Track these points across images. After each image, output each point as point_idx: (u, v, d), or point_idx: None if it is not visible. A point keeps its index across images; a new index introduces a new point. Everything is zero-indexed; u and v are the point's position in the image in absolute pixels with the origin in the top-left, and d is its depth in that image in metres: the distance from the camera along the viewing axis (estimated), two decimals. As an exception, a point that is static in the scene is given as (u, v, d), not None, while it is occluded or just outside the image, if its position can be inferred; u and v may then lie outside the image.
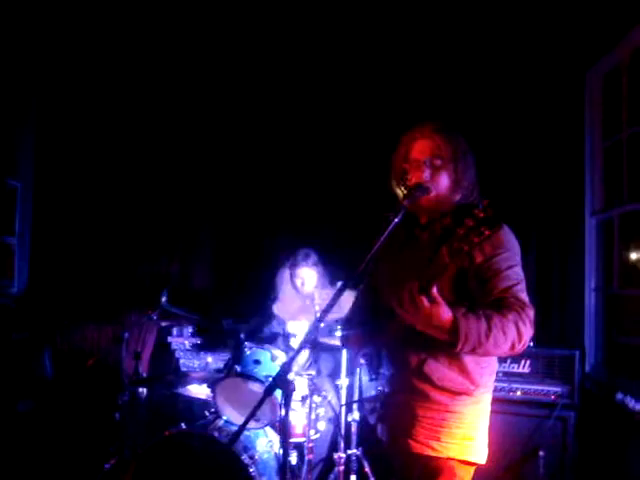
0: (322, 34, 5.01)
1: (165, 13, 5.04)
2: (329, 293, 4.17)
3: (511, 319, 2.01)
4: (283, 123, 5.38)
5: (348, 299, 2.54)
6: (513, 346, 2.02)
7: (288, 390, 2.13)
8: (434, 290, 1.92)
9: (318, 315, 2.16)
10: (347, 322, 2.62)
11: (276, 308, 4.65)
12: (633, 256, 4.19)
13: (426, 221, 2.37)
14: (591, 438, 3.68)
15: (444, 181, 2.29)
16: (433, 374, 2.21)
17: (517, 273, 2.17)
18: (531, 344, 3.73)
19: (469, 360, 2.20)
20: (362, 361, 2.46)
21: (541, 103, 4.53)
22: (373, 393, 2.44)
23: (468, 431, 2.23)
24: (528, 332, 2.04)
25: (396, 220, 2.15)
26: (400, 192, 2.39)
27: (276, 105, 5.39)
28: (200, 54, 5.38)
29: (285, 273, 4.59)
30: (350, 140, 5.14)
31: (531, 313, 2.08)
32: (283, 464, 2.28)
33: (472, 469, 2.27)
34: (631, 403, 3.30)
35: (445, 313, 1.95)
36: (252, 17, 5.00)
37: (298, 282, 4.47)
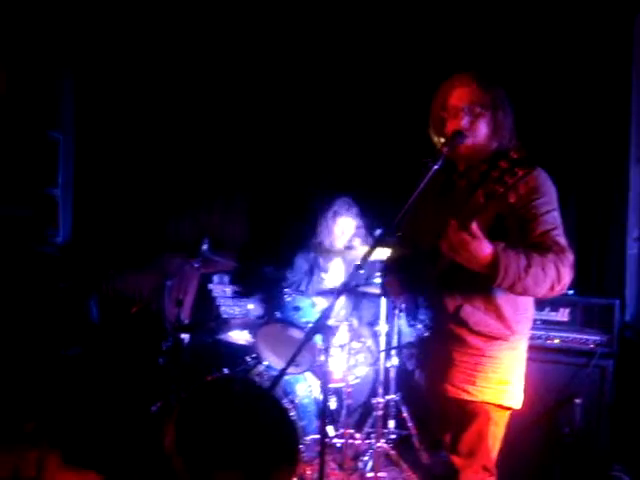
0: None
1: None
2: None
3: (551, 259, 2.03)
4: (319, 71, 5.32)
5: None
6: (552, 287, 2.03)
7: (328, 335, 2.19)
8: (474, 225, 1.94)
9: (358, 262, 2.18)
10: (386, 269, 2.64)
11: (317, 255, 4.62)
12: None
13: (464, 168, 2.38)
14: (629, 386, 3.68)
15: (483, 129, 2.29)
16: (469, 319, 2.23)
17: (555, 217, 2.17)
18: (571, 292, 3.71)
19: (506, 306, 2.22)
20: (400, 308, 2.49)
21: (587, 48, 4.39)
22: (412, 339, 2.47)
23: (503, 376, 2.27)
24: (568, 274, 2.05)
25: (435, 167, 2.17)
26: (437, 140, 2.40)
27: (311, 54, 5.32)
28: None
29: (327, 221, 4.54)
30: (387, 89, 5.07)
31: (571, 257, 2.08)
32: (323, 408, 2.34)
33: (507, 413, 2.32)
34: (671, 352, 3.28)
35: (486, 247, 1.97)
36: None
37: (338, 231, 4.46)
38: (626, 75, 4.31)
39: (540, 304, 3.59)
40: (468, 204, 2.17)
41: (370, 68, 5.15)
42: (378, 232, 2.22)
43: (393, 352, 3.96)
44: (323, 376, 2.28)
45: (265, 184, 5.57)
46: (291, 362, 2.20)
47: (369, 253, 2.18)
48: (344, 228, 4.42)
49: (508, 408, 2.30)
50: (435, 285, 2.27)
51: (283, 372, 2.25)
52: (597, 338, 3.56)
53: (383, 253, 2.70)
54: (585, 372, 3.48)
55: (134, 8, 5.45)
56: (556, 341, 3.63)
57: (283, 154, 5.48)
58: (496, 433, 2.30)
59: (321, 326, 2.18)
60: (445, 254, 2.03)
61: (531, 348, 3.39)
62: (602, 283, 4.38)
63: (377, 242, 2.17)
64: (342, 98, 5.26)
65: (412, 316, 2.39)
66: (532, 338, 3.56)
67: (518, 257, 1.99)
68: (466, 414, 2.28)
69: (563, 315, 3.68)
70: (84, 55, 5.79)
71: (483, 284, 2.19)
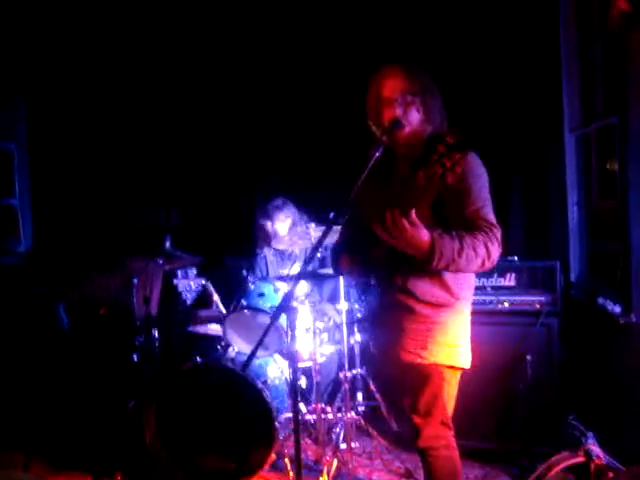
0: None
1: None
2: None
3: (480, 239, 2.28)
4: (253, 70, 5.56)
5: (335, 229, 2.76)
6: (483, 263, 2.29)
7: (292, 317, 2.37)
8: (413, 214, 2.14)
9: (311, 250, 2.38)
10: (335, 250, 2.84)
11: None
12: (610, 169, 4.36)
13: (403, 153, 2.58)
14: (576, 341, 3.95)
15: (416, 115, 2.51)
16: (416, 290, 2.45)
17: (485, 195, 2.41)
18: (515, 258, 3.97)
19: (448, 276, 2.44)
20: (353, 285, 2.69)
21: (514, 22, 4.59)
22: (363, 313, 2.68)
23: (452, 339, 2.49)
24: (496, 250, 2.31)
25: (377, 154, 2.39)
26: (377, 129, 2.60)
27: (245, 55, 5.57)
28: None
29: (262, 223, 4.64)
30: (324, 82, 5.30)
31: (498, 233, 2.34)
32: (292, 386, 2.51)
33: (458, 373, 2.55)
34: (610, 306, 3.54)
35: (424, 235, 2.19)
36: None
37: (279, 230, 4.48)
38: (554, 46, 4.52)
39: (489, 272, 3.83)
40: (409, 186, 2.39)
41: (300, 67, 5.41)
42: (330, 216, 2.41)
43: (355, 328, 4.15)
44: (291, 355, 2.45)
45: (220, 181, 5.75)
46: (259, 344, 2.38)
47: (323, 237, 2.38)
48: (277, 230, 4.49)
49: (459, 368, 2.53)
50: (383, 262, 2.47)
51: (253, 354, 2.42)
52: (542, 298, 3.83)
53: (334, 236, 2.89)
54: (533, 331, 3.74)
55: (87, 24, 5.56)
56: (505, 304, 3.89)
57: (237, 147, 5.66)
58: (450, 391, 2.53)
59: (284, 308, 2.37)
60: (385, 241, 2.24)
61: (484, 313, 3.66)
62: (548, 247, 4.65)
63: (329, 226, 2.36)
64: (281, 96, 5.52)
65: (364, 292, 2.60)
66: (484, 303, 3.87)
67: (452, 241, 2.23)
68: (421, 377, 2.49)
69: (510, 280, 3.94)
70: (34, 64, 5.83)
71: None
